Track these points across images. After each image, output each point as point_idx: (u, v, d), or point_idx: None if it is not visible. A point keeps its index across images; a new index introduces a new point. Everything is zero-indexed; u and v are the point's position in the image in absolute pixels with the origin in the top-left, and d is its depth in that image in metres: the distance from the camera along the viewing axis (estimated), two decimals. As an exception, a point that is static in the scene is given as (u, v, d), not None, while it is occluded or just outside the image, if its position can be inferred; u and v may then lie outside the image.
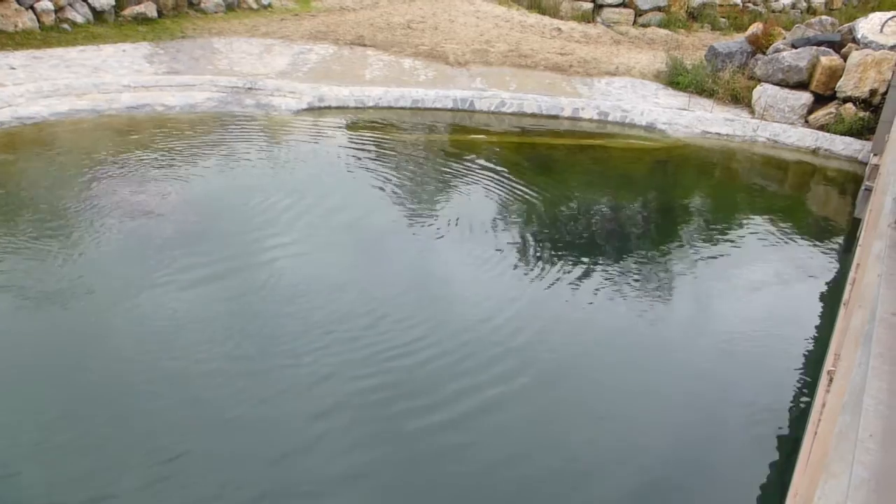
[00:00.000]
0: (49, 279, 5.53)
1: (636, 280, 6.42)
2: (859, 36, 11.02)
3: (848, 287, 5.18)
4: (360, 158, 8.73)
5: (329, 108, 10.35)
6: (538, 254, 6.70)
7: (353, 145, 9.19)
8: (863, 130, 10.41)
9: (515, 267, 6.42)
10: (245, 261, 6.08)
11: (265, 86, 10.64)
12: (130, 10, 12.28)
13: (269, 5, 15.02)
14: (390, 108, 10.63)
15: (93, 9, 11.92)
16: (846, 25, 11.91)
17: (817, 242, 7.67)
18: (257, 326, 5.23)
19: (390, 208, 7.40)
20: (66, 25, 11.48)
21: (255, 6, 14.69)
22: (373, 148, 9.14)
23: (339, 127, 9.79)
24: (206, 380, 4.65)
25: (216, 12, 13.77)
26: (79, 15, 11.74)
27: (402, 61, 12.44)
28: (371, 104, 10.58)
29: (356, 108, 10.49)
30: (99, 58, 10.76)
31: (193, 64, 11.23)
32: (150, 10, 12.50)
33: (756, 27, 12.59)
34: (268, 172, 8.00)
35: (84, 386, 4.53)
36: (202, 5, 13.64)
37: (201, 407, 4.42)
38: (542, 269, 6.39)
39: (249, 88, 10.51)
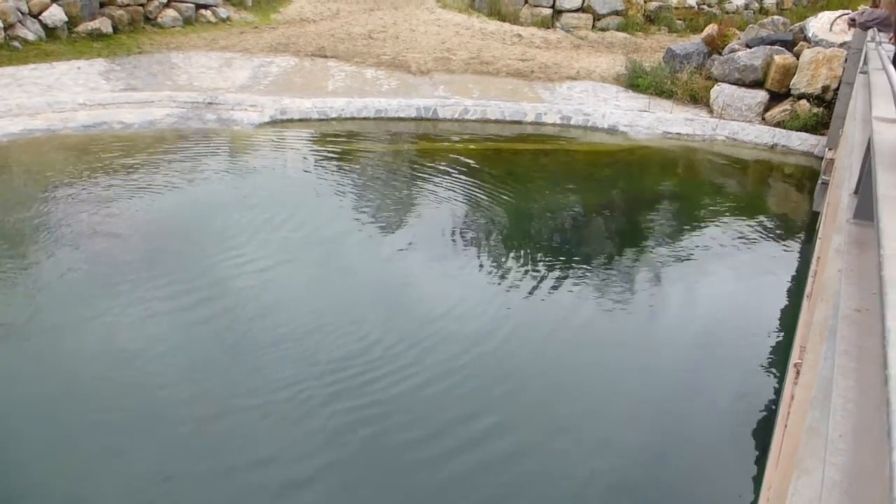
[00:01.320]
0: (4, 306, 5.35)
1: (604, 282, 6.46)
2: (810, 34, 11.31)
3: (810, 280, 5.27)
4: (325, 171, 8.67)
5: (292, 120, 10.28)
6: (508, 259, 6.71)
7: (318, 158, 9.12)
8: (817, 126, 10.67)
9: (489, 273, 6.41)
10: (213, 282, 5.88)
11: (226, 100, 10.53)
12: (84, 27, 12.07)
13: (228, 18, 14.89)
14: (354, 118, 10.60)
15: (45, 25, 11.68)
16: (797, 25, 12.21)
17: (778, 236, 7.82)
18: (235, 356, 4.98)
19: (358, 221, 7.34)
20: (16, 43, 11.23)
21: (213, 20, 14.55)
22: (338, 160, 9.09)
23: (303, 140, 9.72)
24: (179, 418, 4.36)
25: (174, 27, 13.60)
26: (30, 32, 11.49)
27: (365, 71, 12.42)
28: (334, 115, 10.54)
29: (319, 119, 10.43)
30: (52, 76, 10.54)
31: (151, 80, 11.07)
32: (105, 25, 12.30)
33: (711, 28, 12.84)
34: (231, 189, 7.89)
35: (48, 421, 4.29)
36: (159, 20, 13.46)
37: (177, 445, 4.16)
38: (514, 273, 6.40)
39: (210, 103, 10.39)
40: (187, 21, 14.03)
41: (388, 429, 4.36)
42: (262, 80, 11.58)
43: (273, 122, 10.10)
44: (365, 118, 10.65)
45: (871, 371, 0.89)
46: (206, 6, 14.50)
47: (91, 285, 5.70)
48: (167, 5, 13.70)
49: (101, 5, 12.39)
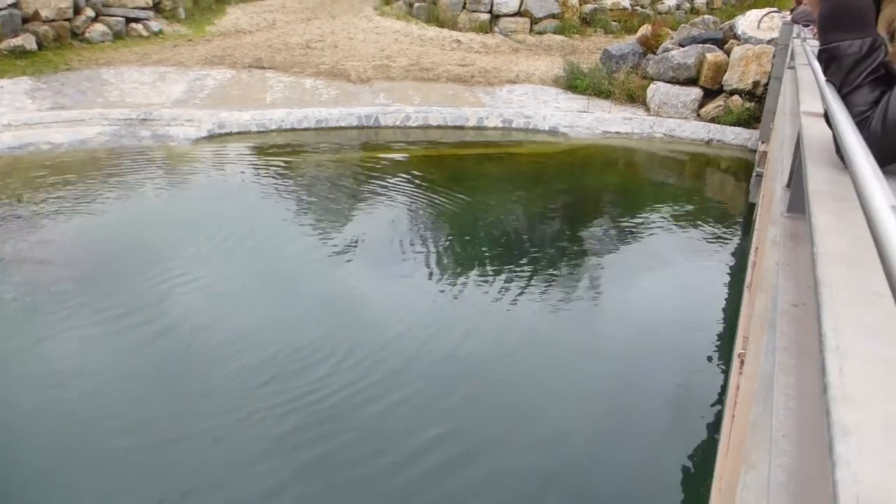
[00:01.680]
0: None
1: (552, 282, 6.50)
2: (739, 32, 11.66)
3: (749, 270, 5.39)
4: (267, 185, 8.51)
5: (230, 134, 10.08)
6: (458, 265, 6.69)
7: (260, 171, 8.96)
8: (750, 120, 11.01)
9: (440, 281, 6.37)
10: (156, 306, 5.60)
11: (161, 116, 10.26)
12: (6, 44, 11.58)
13: (161, 32, 14.53)
14: (294, 129, 10.45)
15: (-36, 45, 11.19)
16: (727, 23, 12.58)
17: (718, 227, 8.01)
18: (182, 381, 4.74)
19: (304, 235, 7.21)
20: (-65, 65, 10.72)
21: (145, 34, 14.17)
22: (280, 173, 8.94)
23: (243, 153, 9.54)
24: (119, 456, 4.06)
25: (103, 42, 13.19)
26: (-51, 53, 10.99)
27: (304, 81, 12.27)
28: (274, 127, 10.37)
29: (259, 132, 10.26)
30: (-25, 97, 10.10)
31: (81, 97, 10.71)
32: (29, 42, 11.82)
33: (645, 29, 13.13)
34: (170, 207, 7.67)
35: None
36: (87, 35, 13.03)
37: (123, 478, 3.91)
38: (465, 278, 6.37)
39: (144, 119, 10.11)
40: (117, 36, 13.63)
41: (348, 452, 4.23)
42: (199, 94, 11.33)
43: (211, 137, 9.88)
44: (305, 129, 10.51)
45: (811, 368, 0.89)
46: (136, 20, 14.13)
47: (22, 315, 5.41)
48: (95, 20, 13.28)
49: (24, 21, 11.91)
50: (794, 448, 0.78)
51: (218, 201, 7.88)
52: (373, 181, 8.81)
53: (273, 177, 8.76)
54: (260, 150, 9.70)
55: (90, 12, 13.14)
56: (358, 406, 4.58)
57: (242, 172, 8.84)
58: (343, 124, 10.71)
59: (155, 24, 14.48)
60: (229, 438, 4.24)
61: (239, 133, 10.12)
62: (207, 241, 6.74)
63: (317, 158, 9.67)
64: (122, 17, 13.83)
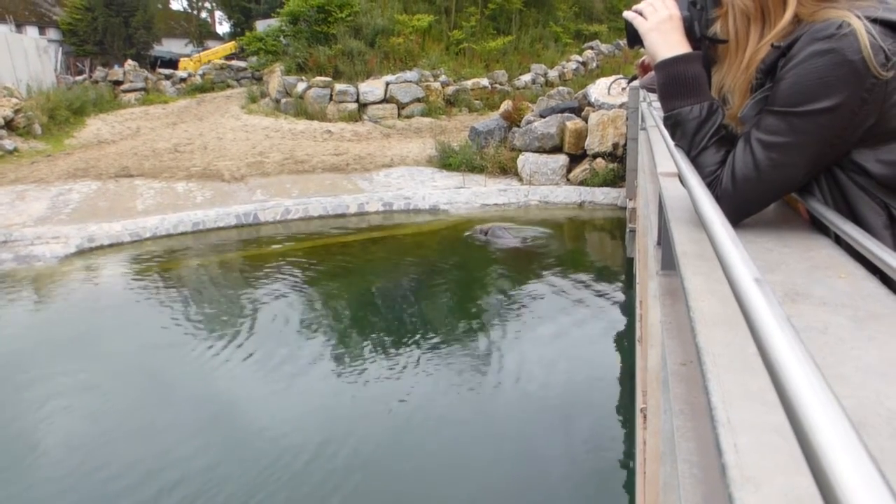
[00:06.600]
0: None
1: (450, 357, 6.47)
2: (593, 99, 12.51)
3: (638, 323, 5.59)
4: (145, 296, 8.09)
5: (102, 247, 9.60)
6: (352, 353, 6.55)
7: (137, 282, 8.52)
8: (615, 179, 11.71)
9: (333, 373, 6.20)
10: (23, 437, 5.21)
11: (23, 235, 9.65)
12: None
13: (16, 150, 13.82)
14: (170, 235, 10.10)
15: None
16: (580, 92, 13.48)
17: (604, 283, 8.32)
18: None
19: (188, 345, 6.83)
20: None
21: (-4, 153, 13.45)
22: (158, 282, 8.54)
23: (117, 266, 9.07)
24: None
25: (-51, 166, 12.39)
26: None
27: (175, 186, 11.96)
28: (148, 235, 9.98)
29: (133, 241, 9.84)
30: None
31: (-73, 227, 9.92)
32: None
33: (507, 104, 13.85)
34: (38, 332, 7.11)
35: None
36: (-70, 161, 12.22)
37: None
38: (364, 367, 6.23)
39: (4, 241, 9.47)
40: (-35, 158, 12.86)
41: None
42: (63, 209, 10.78)
43: (81, 252, 9.37)
44: (182, 233, 10.18)
45: (708, 430, 0.90)
46: (-14, 140, 13.42)
47: None
48: (-61, 144, 12.52)
49: None
50: (706, 519, 0.79)
51: (93, 319, 7.39)
52: (258, 279, 8.58)
53: (151, 287, 8.35)
54: (136, 261, 9.26)
55: (-67, 137, 12.39)
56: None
57: (118, 286, 8.38)
58: (221, 224, 10.47)
59: (9, 143, 13.80)
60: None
61: (111, 245, 9.66)
62: (83, 364, 6.27)
63: (197, 262, 9.34)
64: (-30, 138, 13.10)
